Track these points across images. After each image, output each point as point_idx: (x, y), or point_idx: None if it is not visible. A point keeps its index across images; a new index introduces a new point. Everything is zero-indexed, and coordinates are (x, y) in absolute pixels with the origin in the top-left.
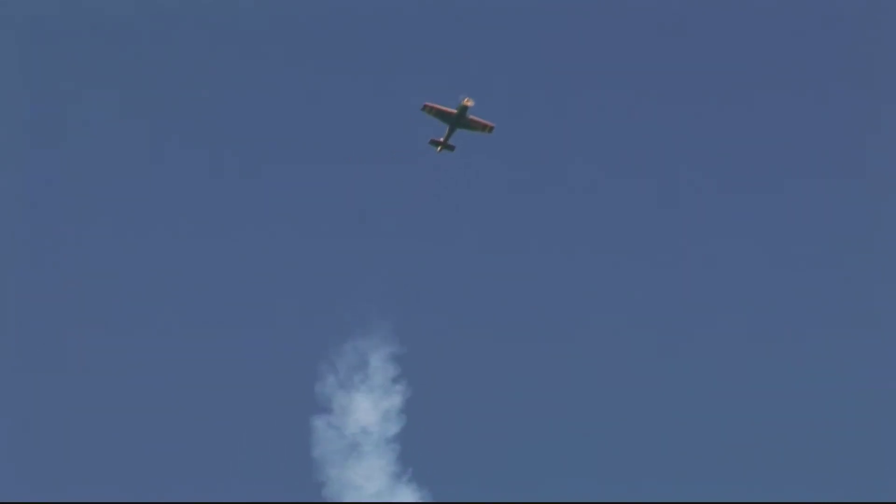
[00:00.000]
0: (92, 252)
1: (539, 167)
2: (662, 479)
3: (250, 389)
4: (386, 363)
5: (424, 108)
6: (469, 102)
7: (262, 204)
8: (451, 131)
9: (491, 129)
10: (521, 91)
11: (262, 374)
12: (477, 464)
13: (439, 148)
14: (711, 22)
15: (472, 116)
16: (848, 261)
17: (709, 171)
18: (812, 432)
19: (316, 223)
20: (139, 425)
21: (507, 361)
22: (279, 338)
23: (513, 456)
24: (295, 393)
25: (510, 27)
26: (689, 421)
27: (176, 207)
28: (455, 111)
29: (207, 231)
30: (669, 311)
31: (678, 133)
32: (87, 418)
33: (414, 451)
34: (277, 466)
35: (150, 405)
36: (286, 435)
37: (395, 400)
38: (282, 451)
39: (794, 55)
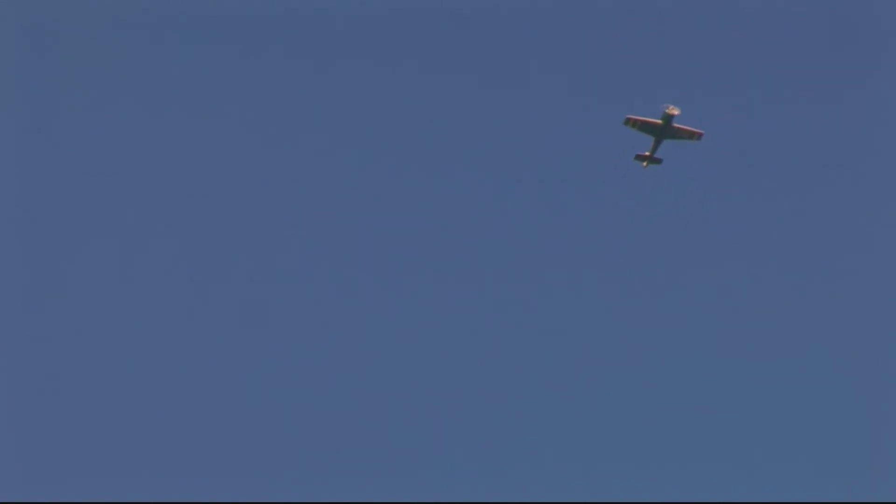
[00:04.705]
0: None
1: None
2: (661, 478)
3: None
4: None
5: (627, 121)
6: (674, 111)
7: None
8: (658, 143)
9: (700, 136)
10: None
11: None
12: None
13: (645, 163)
14: None
15: (677, 125)
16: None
17: None
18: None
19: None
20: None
21: None
22: None
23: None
24: None
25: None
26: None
27: None
28: (660, 121)
29: None
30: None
31: None
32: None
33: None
34: None
35: None
36: None
37: None
38: None
39: None
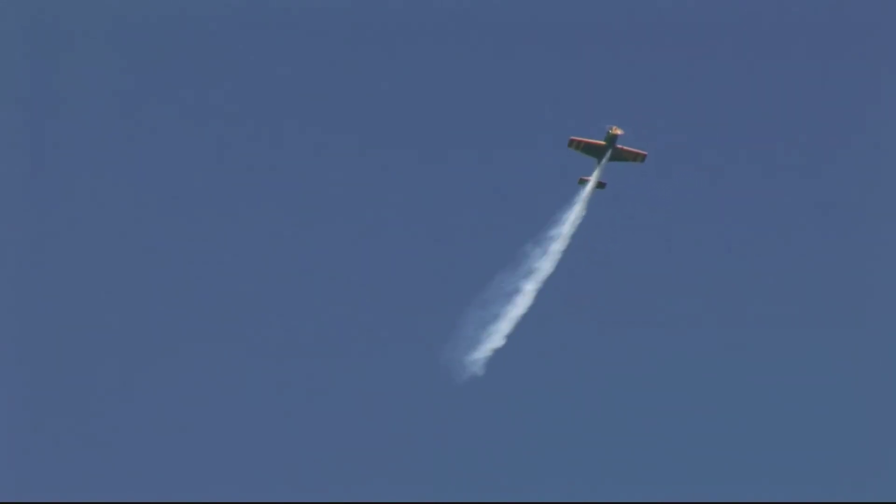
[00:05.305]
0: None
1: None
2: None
3: None
4: None
5: (571, 143)
6: (617, 131)
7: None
8: (601, 165)
9: (643, 157)
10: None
11: None
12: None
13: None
14: None
15: (621, 146)
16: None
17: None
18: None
19: None
20: None
21: None
22: None
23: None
24: None
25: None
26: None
27: None
28: (603, 142)
29: None
30: None
31: None
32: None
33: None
34: None
35: None
36: None
37: None
38: None
39: None
